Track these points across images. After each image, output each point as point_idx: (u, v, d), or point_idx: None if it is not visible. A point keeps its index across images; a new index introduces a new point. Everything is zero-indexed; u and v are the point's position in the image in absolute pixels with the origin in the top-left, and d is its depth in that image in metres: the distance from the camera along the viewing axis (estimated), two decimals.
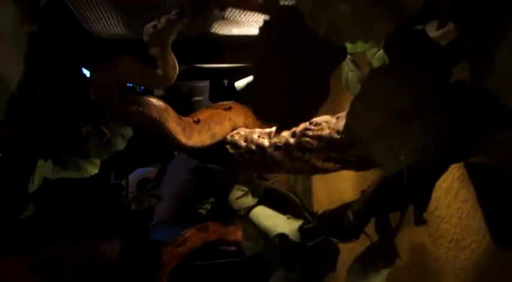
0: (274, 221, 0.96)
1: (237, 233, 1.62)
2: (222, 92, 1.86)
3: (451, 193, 0.92)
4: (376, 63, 1.00)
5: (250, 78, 1.56)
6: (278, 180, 1.36)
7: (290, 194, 1.24)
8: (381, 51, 0.99)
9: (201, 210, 1.69)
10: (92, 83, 0.91)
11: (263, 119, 0.50)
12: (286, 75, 0.46)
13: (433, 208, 0.96)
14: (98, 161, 0.90)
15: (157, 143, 1.55)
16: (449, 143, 0.62)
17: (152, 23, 0.87)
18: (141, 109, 0.96)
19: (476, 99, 0.63)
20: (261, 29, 0.44)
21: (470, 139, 0.65)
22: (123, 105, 0.94)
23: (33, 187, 0.77)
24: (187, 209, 1.87)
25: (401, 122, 0.61)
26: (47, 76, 0.91)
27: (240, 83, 1.60)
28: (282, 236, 0.90)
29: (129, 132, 1.05)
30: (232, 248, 1.62)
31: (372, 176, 0.94)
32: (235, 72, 1.69)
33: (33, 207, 0.81)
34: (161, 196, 1.74)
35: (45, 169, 0.79)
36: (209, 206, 1.70)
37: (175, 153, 2.26)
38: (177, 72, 0.99)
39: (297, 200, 1.23)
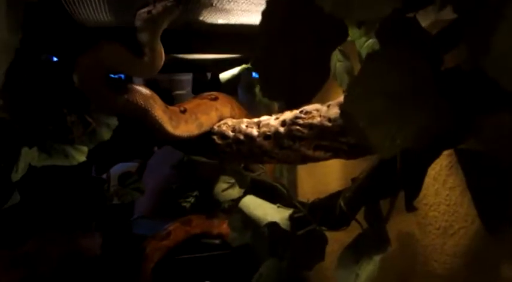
0: (264, 210, 0.95)
1: (221, 226, 1.61)
2: (205, 85, 1.84)
3: (439, 181, 0.93)
4: (364, 53, 1.00)
5: (235, 70, 1.55)
6: (264, 172, 1.35)
7: (277, 185, 1.24)
8: (370, 40, 0.99)
9: (184, 204, 1.67)
10: (75, 70, 0.89)
11: (271, 97, 0.50)
12: (292, 52, 0.45)
13: (421, 196, 0.96)
14: (85, 149, 0.88)
15: (137, 138, 1.53)
16: (445, 128, 0.63)
17: (147, 9, 0.85)
18: (126, 96, 0.94)
19: (472, 83, 0.64)
20: (268, 2, 0.43)
21: (464, 124, 0.66)
22: (108, 93, 0.92)
23: (17, 176, 0.75)
24: (168, 204, 1.85)
25: (398, 106, 0.61)
26: (30, 62, 0.89)
27: (224, 75, 1.59)
28: (273, 225, 0.89)
29: (114, 122, 1.03)
30: (216, 241, 1.60)
31: (358, 167, 0.94)
32: (218, 64, 1.68)
33: (18, 196, 0.78)
34: (144, 190, 1.71)
35: (30, 157, 0.76)
36: (193, 200, 1.68)
37: (155, 148, 2.23)
38: (163, 61, 0.98)
39: (284, 191, 1.22)
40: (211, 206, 1.67)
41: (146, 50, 0.91)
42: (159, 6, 0.84)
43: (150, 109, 0.97)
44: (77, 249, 1.54)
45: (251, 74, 1.94)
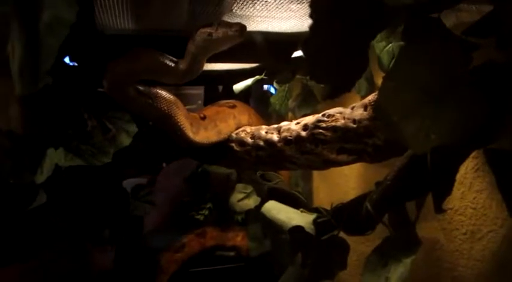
0: (288, 214, 0.94)
1: (235, 239, 1.59)
2: (218, 98, 1.85)
3: (465, 184, 0.91)
4: (385, 58, 1.00)
5: (248, 81, 1.55)
6: (282, 181, 1.34)
7: (295, 193, 1.23)
8: (391, 45, 0.99)
9: (197, 216, 1.66)
10: (108, 75, 0.90)
11: (317, 80, 0.49)
12: (337, 39, 0.45)
13: (446, 200, 0.95)
14: (110, 150, 0.87)
15: (147, 153, 1.52)
16: (480, 123, 0.62)
17: (209, 30, 0.87)
18: (150, 101, 0.95)
19: (506, 78, 0.64)
20: None
21: (498, 121, 0.65)
22: (135, 98, 0.94)
23: (42, 177, 0.74)
24: (178, 217, 1.83)
25: (432, 100, 0.60)
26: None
27: (238, 86, 1.59)
28: (297, 228, 0.88)
29: (133, 128, 1.02)
30: (231, 254, 1.58)
31: (374, 176, 0.93)
32: (231, 76, 1.69)
33: (45, 195, 0.77)
34: (155, 203, 1.70)
35: (56, 157, 0.75)
36: (206, 212, 1.67)
37: (164, 164, 2.24)
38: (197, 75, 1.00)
39: (303, 198, 1.21)
40: (225, 219, 1.65)
41: (189, 59, 0.92)
42: (221, 32, 0.86)
43: (173, 115, 0.97)
44: (87, 263, 1.52)
45: (262, 86, 1.95)
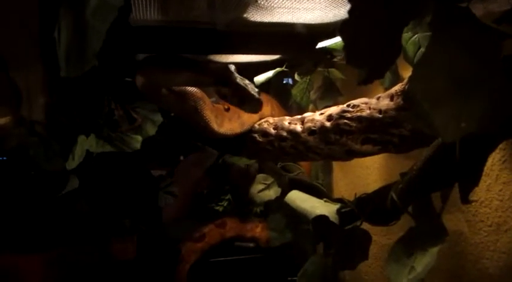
0: (312, 203, 0.95)
1: (254, 230, 1.60)
2: None
3: (491, 176, 0.91)
4: (410, 49, 1.00)
5: (269, 74, 1.55)
6: (302, 172, 1.34)
7: (316, 184, 1.23)
8: (416, 36, 0.99)
9: (217, 208, 1.67)
10: (144, 78, 0.93)
11: (355, 64, 0.49)
12: (374, 24, 0.45)
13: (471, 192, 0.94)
14: (139, 138, 0.89)
15: (165, 147, 1.54)
16: (510, 112, 0.61)
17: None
18: (179, 98, 0.98)
19: None
20: None
21: None
22: (166, 95, 0.97)
23: (73, 163, 0.75)
24: (196, 209, 1.85)
25: (463, 88, 0.60)
26: None
27: (259, 78, 1.59)
28: (322, 218, 0.88)
29: (158, 118, 1.04)
30: (250, 245, 1.59)
31: (395, 168, 0.92)
32: (251, 68, 1.69)
33: (77, 181, 0.79)
34: (176, 194, 1.72)
35: (87, 144, 0.77)
36: (225, 203, 1.68)
37: (181, 157, 2.25)
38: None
39: (324, 189, 1.21)
40: (244, 210, 1.66)
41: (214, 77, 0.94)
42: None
43: (200, 110, 1.00)
44: (110, 252, 1.54)
45: (282, 79, 1.94)
